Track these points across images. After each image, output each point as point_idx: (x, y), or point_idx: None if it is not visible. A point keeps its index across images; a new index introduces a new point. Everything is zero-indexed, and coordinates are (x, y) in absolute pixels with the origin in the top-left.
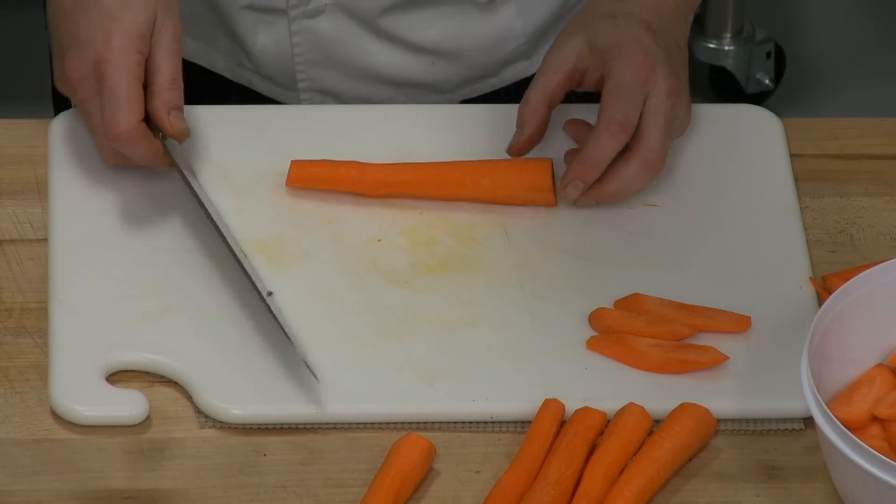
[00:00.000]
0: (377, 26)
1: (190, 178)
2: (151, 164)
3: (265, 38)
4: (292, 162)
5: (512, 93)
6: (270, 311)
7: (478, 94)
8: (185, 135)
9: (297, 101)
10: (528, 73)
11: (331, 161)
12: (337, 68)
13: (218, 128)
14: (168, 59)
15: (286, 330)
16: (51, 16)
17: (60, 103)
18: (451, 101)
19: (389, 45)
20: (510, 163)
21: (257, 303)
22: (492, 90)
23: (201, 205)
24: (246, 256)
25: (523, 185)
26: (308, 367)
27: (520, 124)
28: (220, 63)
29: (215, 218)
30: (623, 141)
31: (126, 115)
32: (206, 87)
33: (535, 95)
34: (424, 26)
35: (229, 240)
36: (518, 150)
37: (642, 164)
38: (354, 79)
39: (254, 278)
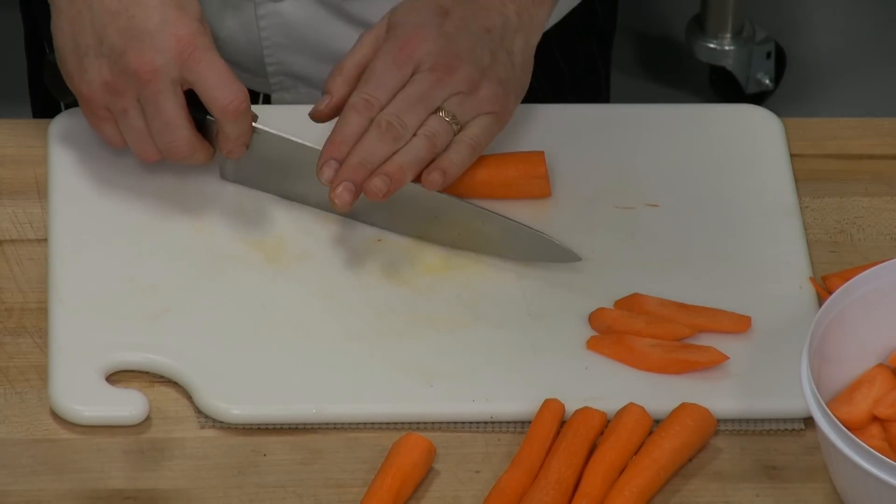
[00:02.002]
0: (343, 10)
1: (283, 136)
2: (242, 143)
3: (232, 23)
4: None
5: None
6: None
7: None
8: (256, 117)
9: (266, 88)
10: None
11: None
12: (305, 52)
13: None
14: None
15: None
16: (77, 24)
17: (37, 104)
18: None
19: (357, 29)
20: (505, 155)
21: (258, 302)
22: None
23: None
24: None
25: (519, 174)
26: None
27: (330, 90)
28: None
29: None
30: (369, 118)
31: (236, 87)
32: None
33: (348, 65)
34: (390, 8)
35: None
36: (324, 115)
37: (377, 129)
38: (323, 62)
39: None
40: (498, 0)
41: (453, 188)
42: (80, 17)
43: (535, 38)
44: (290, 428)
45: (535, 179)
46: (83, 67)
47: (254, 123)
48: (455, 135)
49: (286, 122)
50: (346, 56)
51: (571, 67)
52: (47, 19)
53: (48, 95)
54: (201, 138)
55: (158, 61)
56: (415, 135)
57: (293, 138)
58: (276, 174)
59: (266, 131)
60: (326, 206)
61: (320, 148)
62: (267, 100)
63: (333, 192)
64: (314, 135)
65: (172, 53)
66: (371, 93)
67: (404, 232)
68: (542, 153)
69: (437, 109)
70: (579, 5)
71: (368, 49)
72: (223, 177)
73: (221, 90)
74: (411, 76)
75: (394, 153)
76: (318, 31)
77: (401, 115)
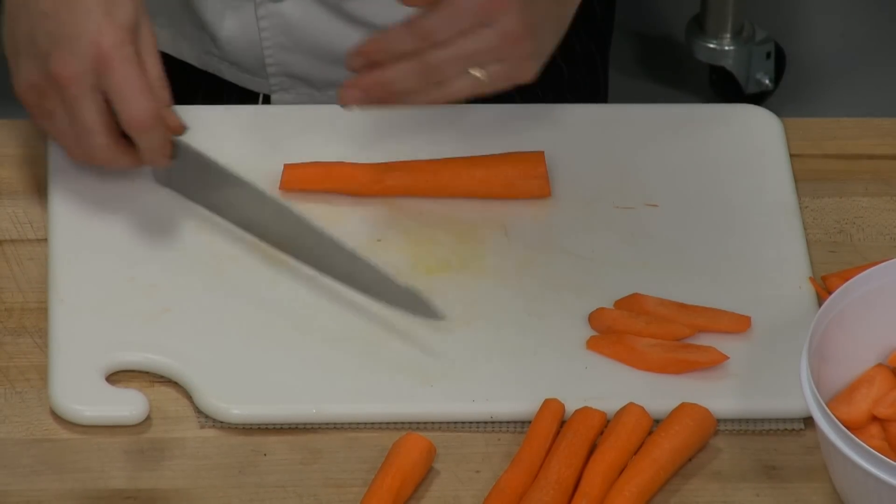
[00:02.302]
0: (343, 10)
1: (207, 158)
2: (159, 155)
3: (232, 24)
4: (285, 166)
5: None
6: (352, 256)
7: None
8: (183, 129)
9: (266, 88)
10: None
11: (323, 162)
12: (305, 52)
13: (216, 128)
14: (153, 57)
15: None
16: (15, 22)
17: None
18: None
19: (357, 29)
20: (505, 155)
21: (258, 302)
22: None
23: (231, 179)
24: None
25: (518, 174)
26: (426, 301)
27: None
28: (186, 51)
29: (240, 178)
30: (418, 44)
31: (147, 101)
32: (172, 75)
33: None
34: (391, 8)
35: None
36: (371, 49)
37: (419, 63)
38: (323, 63)
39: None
40: None
41: (452, 186)
42: (18, 16)
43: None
44: (290, 428)
45: (535, 179)
46: (17, 66)
47: (177, 138)
48: None
49: (286, 122)
50: None
51: (570, 67)
52: None
53: None
54: (123, 144)
55: (77, 68)
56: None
57: (212, 159)
58: (201, 187)
59: (187, 147)
60: (247, 226)
61: (239, 175)
62: (267, 100)
63: (345, 89)
64: (311, 135)
65: (91, 61)
66: (437, 25)
67: (305, 262)
68: (541, 153)
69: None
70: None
71: None
72: (157, 181)
73: (129, 103)
74: (480, 27)
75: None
76: (319, 31)
77: (449, 65)
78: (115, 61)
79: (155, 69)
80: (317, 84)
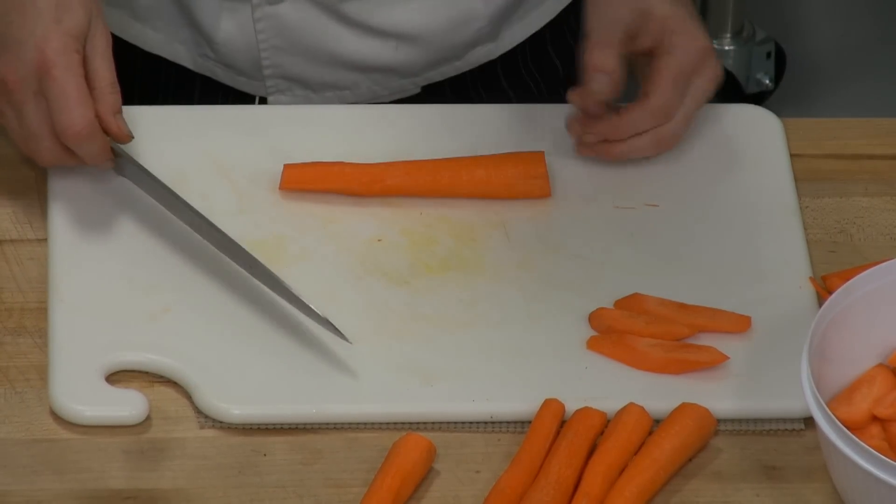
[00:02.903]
0: (340, 12)
1: (146, 171)
2: (99, 162)
3: (229, 26)
4: (285, 166)
5: (477, 76)
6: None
7: (443, 77)
8: (129, 137)
9: (263, 91)
10: (493, 56)
11: (323, 162)
12: (302, 54)
13: (217, 128)
14: (105, 62)
15: (298, 296)
16: None
17: None
18: (416, 85)
19: (353, 31)
20: (505, 155)
21: (258, 302)
22: (457, 73)
23: (168, 192)
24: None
25: (518, 174)
26: (335, 329)
27: (597, 68)
28: (182, 54)
29: (184, 204)
30: (658, 125)
31: (82, 111)
32: (168, 79)
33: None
34: (387, 11)
35: (204, 224)
36: (605, 90)
37: (655, 141)
38: (319, 65)
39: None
40: None
41: (452, 186)
42: None
43: None
44: (290, 428)
45: (535, 179)
46: None
47: (116, 146)
48: None
49: (283, 123)
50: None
51: (566, 66)
52: None
53: None
54: (68, 148)
55: (21, 72)
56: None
57: (148, 172)
58: (148, 189)
59: (122, 158)
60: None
61: (174, 192)
62: (263, 102)
63: (582, 137)
64: (311, 135)
65: (33, 67)
66: (669, 103)
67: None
68: (541, 153)
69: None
70: (573, 3)
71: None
72: (116, 172)
73: (62, 113)
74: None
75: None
76: (315, 34)
77: (681, 128)
78: (56, 69)
79: (106, 75)
80: (313, 86)
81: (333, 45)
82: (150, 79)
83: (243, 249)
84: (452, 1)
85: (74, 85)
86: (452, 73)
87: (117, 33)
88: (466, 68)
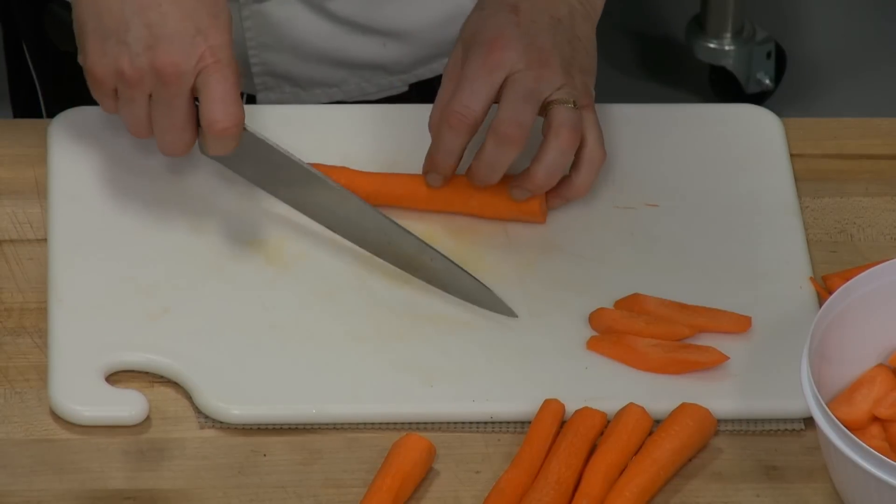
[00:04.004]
0: (327, 9)
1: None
2: (222, 153)
3: None
4: None
5: None
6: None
7: (432, 74)
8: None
9: (251, 88)
10: None
11: (324, 166)
12: (289, 52)
13: None
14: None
15: (460, 266)
16: (101, 4)
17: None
18: (405, 82)
19: (341, 28)
20: (501, 182)
21: (258, 302)
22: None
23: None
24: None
25: (512, 207)
26: (498, 299)
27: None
28: None
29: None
30: (466, 132)
31: (237, 110)
32: None
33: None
34: (374, 8)
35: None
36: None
37: (495, 138)
38: (307, 62)
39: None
40: None
41: (446, 207)
42: (126, 5)
43: (595, 24)
44: (290, 428)
45: (530, 214)
46: (103, 50)
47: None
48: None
49: (271, 121)
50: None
51: None
52: (26, 21)
53: (30, 96)
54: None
55: (184, 66)
56: (554, 133)
57: (280, 148)
58: (257, 170)
59: (253, 136)
60: (300, 206)
61: (304, 163)
62: (252, 100)
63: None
64: (311, 135)
65: (197, 60)
66: (465, 104)
67: (363, 247)
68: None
69: (553, 103)
70: None
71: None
72: (202, 152)
73: (218, 105)
74: (504, 80)
75: (545, 160)
76: (302, 31)
77: (516, 116)
78: (219, 63)
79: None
80: (301, 83)
81: (321, 43)
82: None
83: (385, 218)
84: None
85: (232, 82)
86: (441, 70)
87: None
88: None
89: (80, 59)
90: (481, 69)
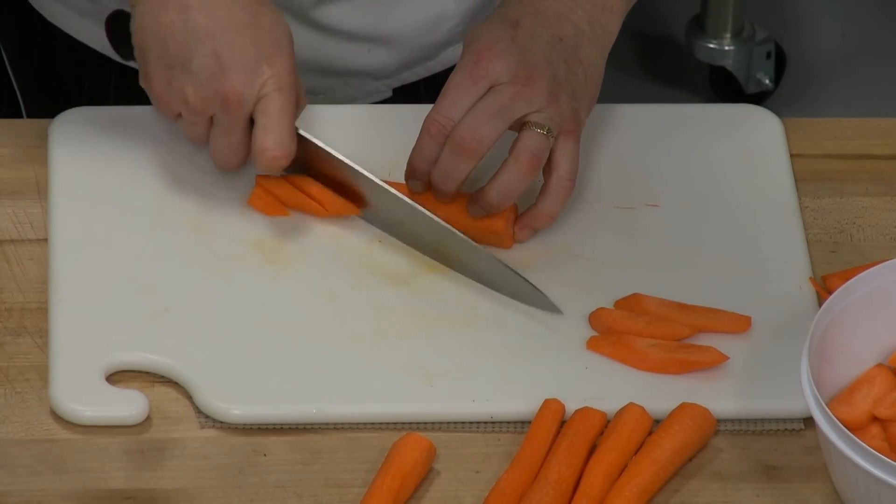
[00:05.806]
0: (311, 18)
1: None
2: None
3: None
4: (257, 177)
5: None
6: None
7: (417, 77)
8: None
9: None
10: None
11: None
12: None
13: None
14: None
15: (515, 271)
16: (163, 31)
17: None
18: (391, 87)
19: (325, 36)
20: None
21: (258, 302)
22: (431, 74)
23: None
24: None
25: (478, 228)
26: (546, 298)
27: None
28: None
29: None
30: (444, 140)
31: (288, 140)
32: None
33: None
34: (358, 14)
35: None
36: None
37: (451, 146)
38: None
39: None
40: (567, 8)
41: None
42: (173, 27)
43: (607, 49)
44: (290, 428)
45: (495, 235)
46: (168, 79)
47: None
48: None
49: None
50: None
51: None
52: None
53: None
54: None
55: (247, 95)
56: (514, 156)
57: (335, 153)
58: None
59: (309, 141)
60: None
61: (355, 165)
62: None
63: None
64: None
65: (259, 88)
66: (444, 113)
67: (410, 244)
68: (512, 207)
69: (527, 124)
70: None
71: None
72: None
73: (272, 135)
74: (488, 90)
75: (499, 180)
76: None
77: (476, 128)
78: (280, 91)
79: None
80: None
81: (307, 53)
82: (135, 84)
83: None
84: (423, 2)
85: (290, 112)
86: (426, 74)
87: (98, 46)
88: (440, 68)
89: (142, 83)
90: (466, 79)
